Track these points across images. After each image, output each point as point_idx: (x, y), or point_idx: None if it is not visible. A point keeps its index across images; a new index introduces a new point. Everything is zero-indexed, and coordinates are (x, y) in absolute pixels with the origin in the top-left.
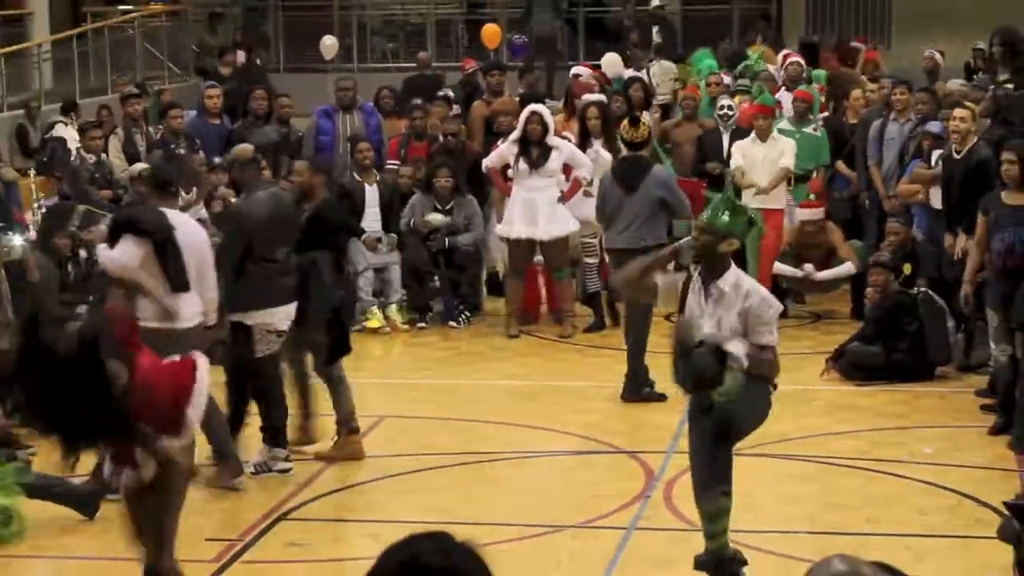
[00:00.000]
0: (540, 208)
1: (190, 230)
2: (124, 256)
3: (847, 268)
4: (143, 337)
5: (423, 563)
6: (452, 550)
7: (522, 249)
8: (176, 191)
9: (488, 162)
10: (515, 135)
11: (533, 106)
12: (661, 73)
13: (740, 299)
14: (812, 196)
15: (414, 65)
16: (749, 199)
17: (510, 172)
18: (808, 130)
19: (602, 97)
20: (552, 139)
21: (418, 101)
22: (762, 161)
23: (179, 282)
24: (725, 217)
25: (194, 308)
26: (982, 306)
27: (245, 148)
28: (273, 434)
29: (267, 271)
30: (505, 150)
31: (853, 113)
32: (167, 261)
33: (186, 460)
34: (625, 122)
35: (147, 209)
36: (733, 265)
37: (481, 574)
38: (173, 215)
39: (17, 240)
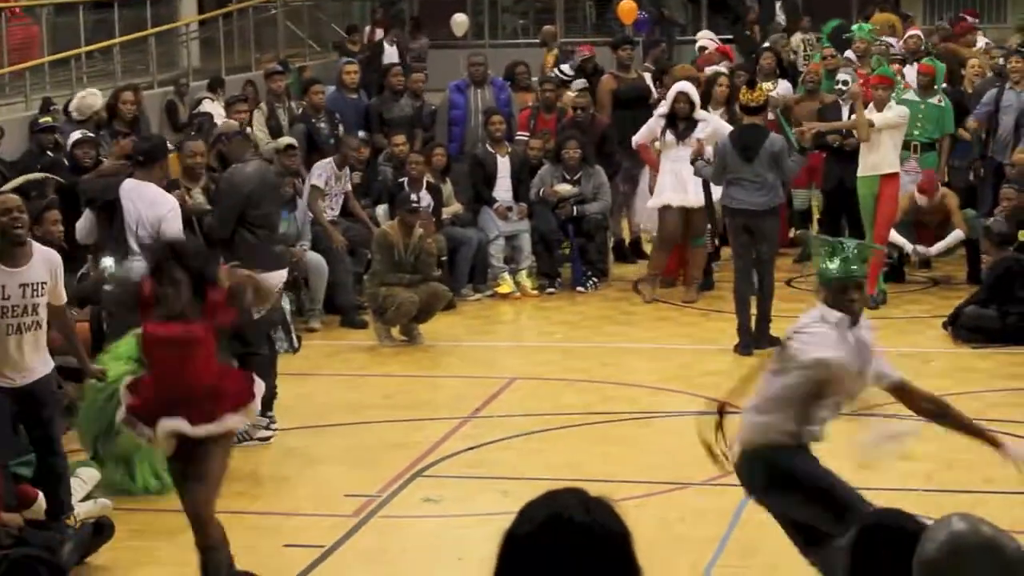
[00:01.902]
0: (688, 177)
1: (149, 202)
2: (82, 225)
3: (956, 236)
4: None
5: (566, 517)
6: (592, 505)
7: (673, 217)
8: (148, 162)
9: (638, 138)
10: (661, 110)
11: (680, 85)
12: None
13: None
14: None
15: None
16: (865, 168)
17: (657, 145)
18: (933, 101)
19: (722, 69)
20: (699, 113)
21: (549, 74)
22: (879, 132)
23: (114, 248)
24: (833, 265)
25: None
26: None
27: (230, 123)
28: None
29: (258, 237)
30: (653, 124)
31: (969, 83)
32: (103, 227)
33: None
34: (744, 87)
35: (97, 180)
36: None
37: (620, 527)
38: (135, 186)
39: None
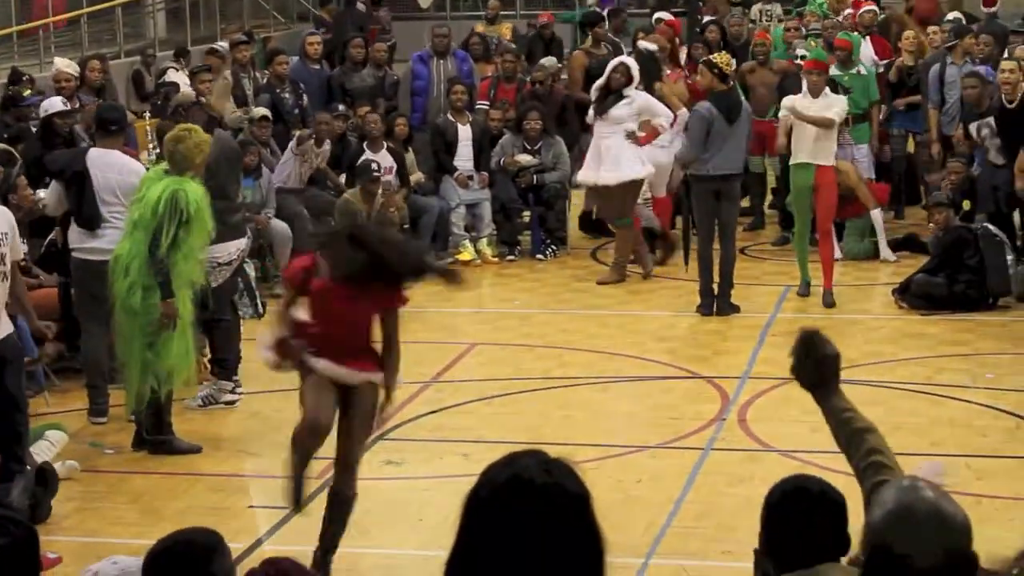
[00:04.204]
0: (603, 154)
1: (118, 170)
2: (49, 197)
3: (877, 219)
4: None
5: (527, 478)
6: (553, 466)
7: (590, 192)
8: (118, 130)
9: (589, 119)
10: (599, 83)
11: (622, 57)
12: None
13: None
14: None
15: (508, 14)
16: (800, 155)
17: (588, 119)
18: (854, 72)
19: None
20: (628, 90)
21: (510, 46)
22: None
23: (85, 217)
24: None
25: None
26: None
27: (187, 93)
28: (222, 367)
29: (215, 208)
30: (593, 97)
31: (907, 54)
32: (72, 197)
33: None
34: (725, 54)
35: (62, 152)
36: None
37: (580, 489)
38: (101, 155)
39: (42, 193)
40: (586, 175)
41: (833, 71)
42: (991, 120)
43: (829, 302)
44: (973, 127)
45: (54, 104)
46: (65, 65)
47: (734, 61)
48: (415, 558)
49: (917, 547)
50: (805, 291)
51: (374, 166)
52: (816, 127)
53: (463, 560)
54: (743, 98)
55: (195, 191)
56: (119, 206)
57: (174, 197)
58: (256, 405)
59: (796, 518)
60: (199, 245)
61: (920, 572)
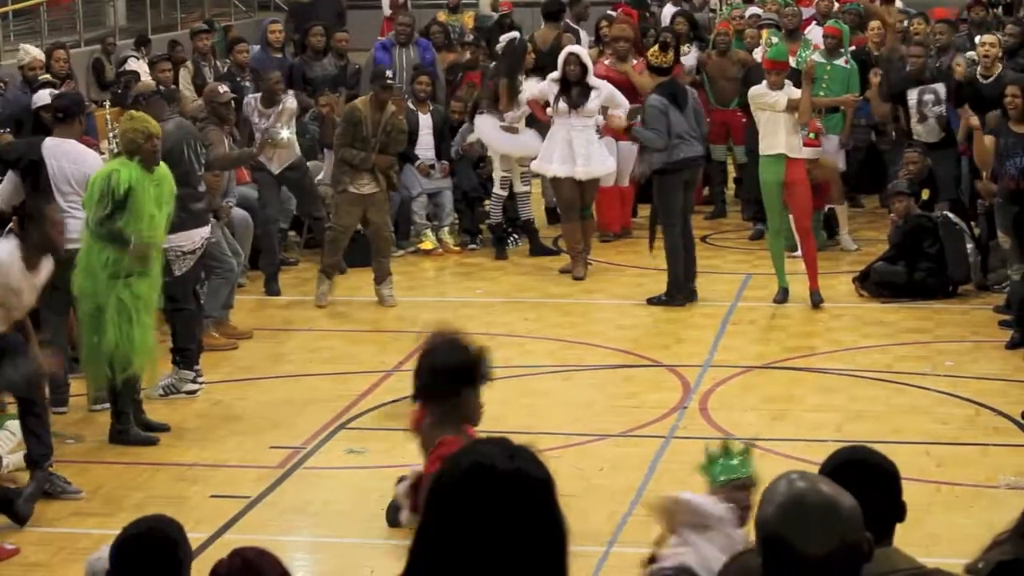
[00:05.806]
0: (577, 147)
1: (73, 159)
2: (4, 187)
3: (842, 212)
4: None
5: (490, 465)
6: (516, 453)
7: (565, 186)
8: (73, 119)
9: (527, 95)
10: (555, 74)
11: (571, 47)
12: None
13: None
14: (812, 135)
15: (469, 3)
16: (771, 146)
17: (548, 110)
18: (839, 62)
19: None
20: (592, 79)
21: (471, 36)
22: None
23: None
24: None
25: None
26: (994, 229)
27: (147, 82)
28: (184, 356)
29: (176, 196)
30: (546, 88)
31: (873, 43)
32: (27, 187)
33: None
34: (655, 47)
35: (18, 141)
36: None
37: (543, 475)
38: (56, 144)
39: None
40: (559, 169)
41: (817, 57)
42: (938, 87)
43: (817, 301)
44: (914, 93)
45: (42, 97)
46: (37, 53)
47: (671, 56)
48: (378, 547)
49: (808, 537)
50: (783, 298)
51: (389, 73)
52: (794, 118)
53: (426, 547)
54: (707, 92)
55: (130, 174)
56: (75, 195)
57: (107, 177)
58: (217, 394)
59: (853, 488)
60: (140, 229)
61: (811, 561)
